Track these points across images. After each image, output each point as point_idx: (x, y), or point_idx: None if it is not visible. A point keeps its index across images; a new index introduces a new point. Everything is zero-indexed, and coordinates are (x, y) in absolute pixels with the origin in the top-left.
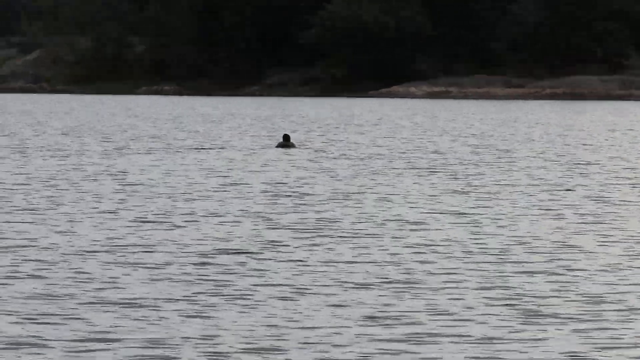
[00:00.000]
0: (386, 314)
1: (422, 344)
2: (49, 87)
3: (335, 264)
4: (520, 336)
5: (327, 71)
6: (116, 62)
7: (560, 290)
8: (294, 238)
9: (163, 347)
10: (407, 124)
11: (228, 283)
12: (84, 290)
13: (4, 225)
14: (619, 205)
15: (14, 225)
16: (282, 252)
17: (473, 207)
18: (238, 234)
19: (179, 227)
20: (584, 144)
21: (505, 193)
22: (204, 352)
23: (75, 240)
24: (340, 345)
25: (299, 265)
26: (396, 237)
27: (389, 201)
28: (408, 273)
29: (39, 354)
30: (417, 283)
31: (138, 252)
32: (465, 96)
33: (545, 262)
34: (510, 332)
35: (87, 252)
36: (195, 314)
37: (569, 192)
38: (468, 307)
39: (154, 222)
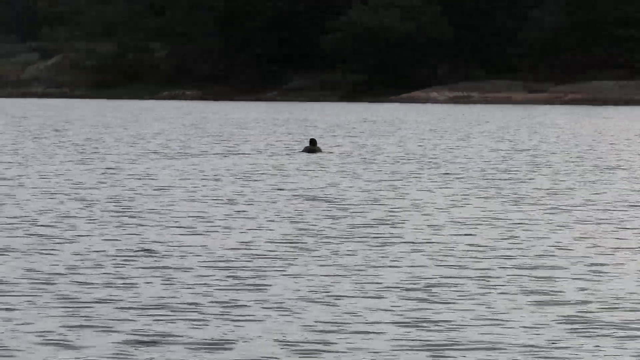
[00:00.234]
0: (420, 319)
1: (459, 350)
2: (70, 93)
3: (367, 268)
4: (561, 344)
5: (347, 76)
6: (137, 68)
7: (599, 296)
8: (325, 243)
9: (201, 351)
10: (432, 129)
11: (262, 288)
12: (118, 294)
13: (34, 229)
14: None
15: (43, 229)
16: (313, 257)
17: (506, 212)
18: (268, 239)
19: (208, 231)
20: (613, 148)
21: (539, 198)
22: (242, 356)
23: (105, 244)
24: (377, 351)
25: (331, 270)
26: (427, 242)
27: (418, 206)
28: (441, 278)
29: (77, 358)
30: (451, 288)
31: (169, 256)
32: (486, 101)
33: (582, 267)
34: (550, 339)
35: (118, 256)
36: (231, 319)
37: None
38: (503, 313)
39: (183, 227)
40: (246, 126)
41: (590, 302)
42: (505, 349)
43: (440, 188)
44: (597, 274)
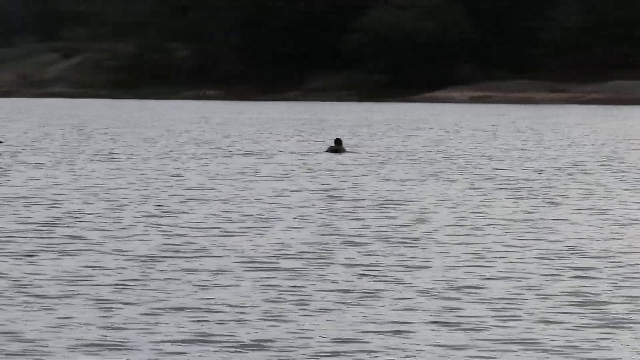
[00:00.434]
0: (452, 319)
1: (491, 350)
2: (91, 93)
3: (399, 269)
4: (596, 345)
5: (369, 76)
6: (158, 68)
7: (634, 296)
8: (354, 243)
9: (236, 352)
10: (456, 128)
11: (293, 289)
12: (149, 296)
13: (63, 230)
14: None
15: (73, 230)
16: (344, 257)
17: (536, 213)
18: (296, 240)
19: (236, 232)
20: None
21: (570, 199)
22: (276, 357)
23: (134, 245)
24: (411, 351)
25: (361, 270)
26: (458, 243)
27: (445, 206)
28: (471, 278)
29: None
30: (483, 288)
31: (196, 257)
32: (508, 101)
33: (616, 267)
34: (585, 340)
35: (146, 257)
36: (264, 320)
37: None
38: (534, 313)
39: (210, 227)
40: (269, 126)
41: (626, 302)
42: (540, 349)
43: (469, 188)
44: (632, 274)
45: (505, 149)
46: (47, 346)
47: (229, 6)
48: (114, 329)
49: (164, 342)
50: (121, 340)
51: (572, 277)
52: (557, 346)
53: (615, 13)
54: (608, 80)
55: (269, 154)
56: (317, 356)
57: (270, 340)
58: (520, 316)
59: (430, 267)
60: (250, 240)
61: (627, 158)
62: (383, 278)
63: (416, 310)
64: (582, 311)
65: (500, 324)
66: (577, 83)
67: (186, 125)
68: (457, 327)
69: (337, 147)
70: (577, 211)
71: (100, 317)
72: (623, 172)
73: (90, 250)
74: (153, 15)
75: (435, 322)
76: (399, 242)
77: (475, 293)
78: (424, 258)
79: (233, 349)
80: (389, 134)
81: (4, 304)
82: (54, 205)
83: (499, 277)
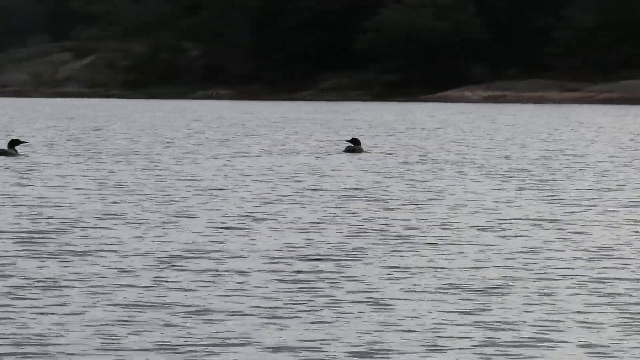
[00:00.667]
0: (483, 318)
1: (515, 349)
2: (104, 92)
3: (420, 269)
4: (620, 344)
5: (381, 76)
6: (171, 67)
7: None
8: (374, 244)
9: (255, 354)
10: (471, 128)
11: (318, 290)
12: (167, 297)
13: (81, 231)
14: None
15: (90, 231)
16: (365, 257)
17: (556, 213)
18: (318, 241)
19: (257, 233)
20: None
21: (587, 199)
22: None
23: (154, 246)
24: (436, 352)
25: (384, 271)
26: (478, 243)
27: (466, 206)
28: (496, 279)
29: None
30: (506, 288)
31: (218, 258)
32: (520, 100)
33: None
34: (609, 338)
35: (167, 258)
36: (284, 321)
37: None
38: (562, 313)
39: (230, 228)
40: (284, 126)
41: None
42: (565, 348)
43: (487, 188)
44: None
45: (524, 148)
46: (65, 347)
47: (241, 6)
48: (135, 331)
49: (184, 344)
50: (141, 342)
51: (600, 277)
52: (584, 345)
53: (626, 13)
54: (619, 80)
55: (286, 153)
56: (344, 358)
57: (288, 342)
58: (548, 317)
59: (450, 268)
60: (268, 241)
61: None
62: (405, 279)
63: (439, 311)
64: (609, 311)
65: (529, 324)
66: (588, 82)
67: (200, 125)
68: (485, 328)
69: (355, 146)
70: (594, 211)
71: (122, 319)
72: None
73: (111, 251)
74: (165, 15)
75: (464, 324)
76: (419, 243)
77: (502, 293)
78: (444, 259)
79: (250, 351)
80: (405, 133)
81: (22, 305)
82: (67, 206)
83: (527, 278)
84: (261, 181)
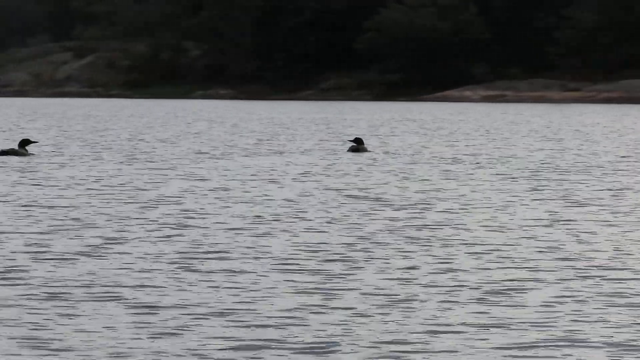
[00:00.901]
0: (491, 320)
1: (529, 350)
2: (104, 92)
3: (431, 270)
4: (637, 344)
5: (382, 76)
6: (171, 67)
7: None
8: (384, 244)
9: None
10: (474, 128)
11: (325, 291)
12: (180, 300)
13: (88, 232)
14: None
15: (100, 231)
16: (375, 258)
17: (564, 213)
18: (326, 241)
19: (265, 233)
20: None
21: (595, 199)
22: None
23: (162, 248)
24: (447, 354)
25: (396, 272)
26: (490, 243)
27: (475, 206)
28: (511, 280)
29: None
30: (518, 289)
31: (225, 259)
32: (520, 100)
33: None
34: (626, 339)
35: (175, 260)
36: (296, 323)
37: None
38: (572, 313)
39: (237, 229)
40: (286, 126)
41: None
42: (580, 347)
43: (494, 188)
44: None
45: (527, 148)
46: (78, 351)
47: (241, 6)
48: (146, 334)
49: (193, 347)
50: (153, 345)
51: (609, 277)
52: (599, 346)
53: (626, 13)
54: (620, 80)
55: (290, 153)
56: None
57: (300, 344)
58: (558, 316)
59: (463, 269)
60: (284, 241)
61: None
62: (416, 280)
63: (454, 312)
64: (621, 310)
65: (538, 324)
66: (589, 82)
67: (203, 125)
68: (494, 329)
69: (359, 146)
70: (604, 211)
71: (133, 321)
72: None
73: (120, 252)
74: (165, 15)
75: (474, 325)
76: (427, 244)
77: (510, 293)
78: (454, 260)
79: (266, 353)
80: (408, 133)
81: (35, 308)
82: (76, 208)
83: (532, 279)
84: (267, 181)
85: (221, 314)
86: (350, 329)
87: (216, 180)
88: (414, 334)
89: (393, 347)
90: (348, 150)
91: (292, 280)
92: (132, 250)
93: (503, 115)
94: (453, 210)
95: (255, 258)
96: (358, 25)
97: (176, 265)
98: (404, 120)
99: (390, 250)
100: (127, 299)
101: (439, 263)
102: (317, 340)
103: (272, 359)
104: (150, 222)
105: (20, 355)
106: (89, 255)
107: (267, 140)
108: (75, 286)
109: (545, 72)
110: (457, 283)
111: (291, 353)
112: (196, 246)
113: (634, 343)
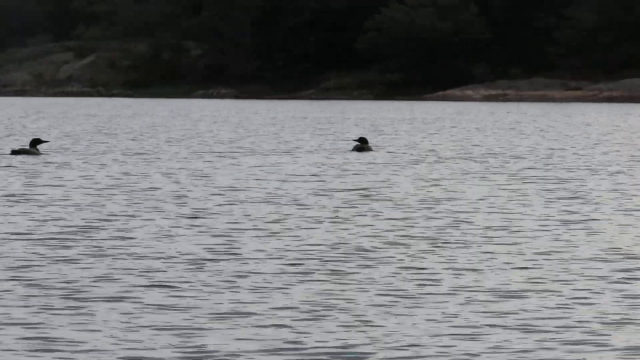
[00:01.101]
0: (503, 321)
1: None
2: (105, 92)
3: (439, 270)
4: None
5: (383, 75)
6: (172, 67)
7: None
8: (394, 244)
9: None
10: (478, 127)
11: (334, 292)
12: (193, 300)
13: (97, 232)
14: None
15: (106, 232)
16: (382, 258)
17: (572, 212)
18: (331, 241)
19: (272, 233)
20: None
21: (603, 198)
22: None
23: (172, 248)
24: (463, 355)
25: (404, 272)
26: (496, 243)
27: (482, 205)
28: (518, 280)
29: None
30: (529, 290)
31: (235, 259)
32: (522, 99)
33: None
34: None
35: (186, 260)
36: (307, 323)
37: None
38: (587, 313)
39: (245, 229)
40: (289, 125)
41: None
42: (594, 349)
43: (500, 187)
44: None
45: (532, 147)
46: (91, 352)
47: (241, 6)
48: (159, 335)
49: (206, 349)
50: (165, 345)
51: (622, 277)
52: (617, 348)
53: (627, 12)
54: (621, 79)
55: (295, 153)
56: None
57: (310, 344)
58: (569, 316)
59: (474, 269)
60: (293, 241)
61: None
62: (426, 280)
63: (465, 313)
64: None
65: (552, 323)
66: (590, 81)
67: (206, 125)
68: (515, 329)
69: (363, 145)
70: (614, 210)
71: (147, 322)
72: None
73: (131, 253)
74: (166, 15)
75: (487, 325)
76: (437, 243)
77: (523, 293)
78: (465, 259)
79: (279, 354)
80: (411, 132)
81: (47, 309)
82: (86, 208)
83: (545, 279)
84: (273, 180)
85: (234, 314)
86: (363, 330)
87: (223, 179)
88: (426, 335)
89: (405, 347)
90: (353, 150)
91: (300, 281)
92: (143, 251)
93: (504, 114)
94: (461, 209)
95: (266, 258)
96: (358, 25)
97: (187, 267)
98: (404, 119)
99: (400, 250)
100: (141, 299)
101: (447, 262)
102: (330, 340)
103: (280, 358)
104: (163, 220)
105: (36, 356)
106: (103, 255)
107: (270, 139)
108: (89, 286)
109: (545, 72)
110: (468, 283)
111: (305, 353)
112: (206, 247)
113: None
